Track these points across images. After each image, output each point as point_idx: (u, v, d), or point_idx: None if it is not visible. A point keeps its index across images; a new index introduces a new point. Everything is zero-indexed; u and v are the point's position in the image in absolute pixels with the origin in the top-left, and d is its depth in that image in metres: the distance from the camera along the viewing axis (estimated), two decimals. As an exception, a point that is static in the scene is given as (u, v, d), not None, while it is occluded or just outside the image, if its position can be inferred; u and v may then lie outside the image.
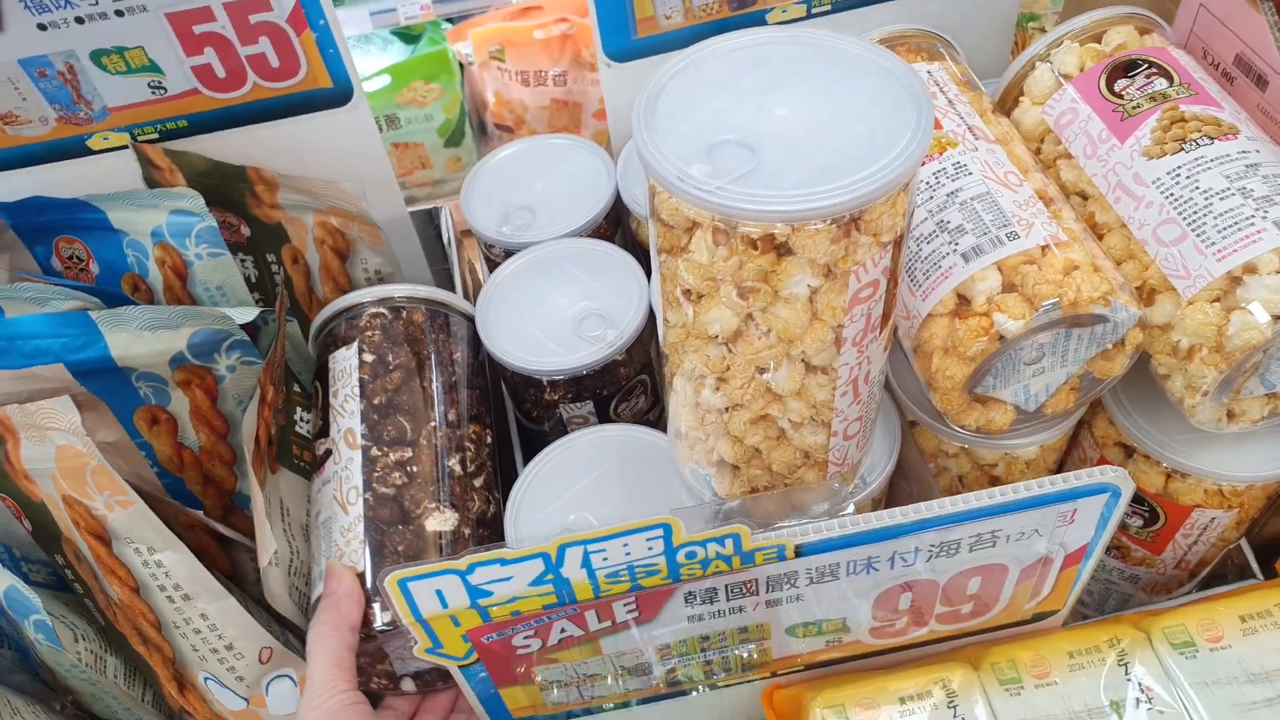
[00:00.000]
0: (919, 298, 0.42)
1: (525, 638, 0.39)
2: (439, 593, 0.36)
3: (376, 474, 0.47)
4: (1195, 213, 0.41)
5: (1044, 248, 0.41)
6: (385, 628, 0.44)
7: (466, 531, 0.47)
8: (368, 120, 0.56)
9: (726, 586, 0.39)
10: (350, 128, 0.56)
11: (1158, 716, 0.43)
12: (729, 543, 0.37)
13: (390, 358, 0.51)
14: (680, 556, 0.37)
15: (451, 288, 0.58)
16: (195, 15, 0.50)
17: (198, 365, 0.50)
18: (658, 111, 0.35)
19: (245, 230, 0.58)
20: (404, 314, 0.52)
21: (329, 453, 0.49)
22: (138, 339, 0.48)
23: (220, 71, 0.53)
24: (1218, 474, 0.45)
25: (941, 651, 0.45)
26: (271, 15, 0.51)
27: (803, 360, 0.37)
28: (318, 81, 0.54)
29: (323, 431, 0.50)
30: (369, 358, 0.51)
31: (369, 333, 0.51)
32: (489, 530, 0.49)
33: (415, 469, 0.48)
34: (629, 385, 0.52)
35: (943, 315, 0.42)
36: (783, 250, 0.34)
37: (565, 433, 0.53)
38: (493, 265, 0.57)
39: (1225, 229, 0.40)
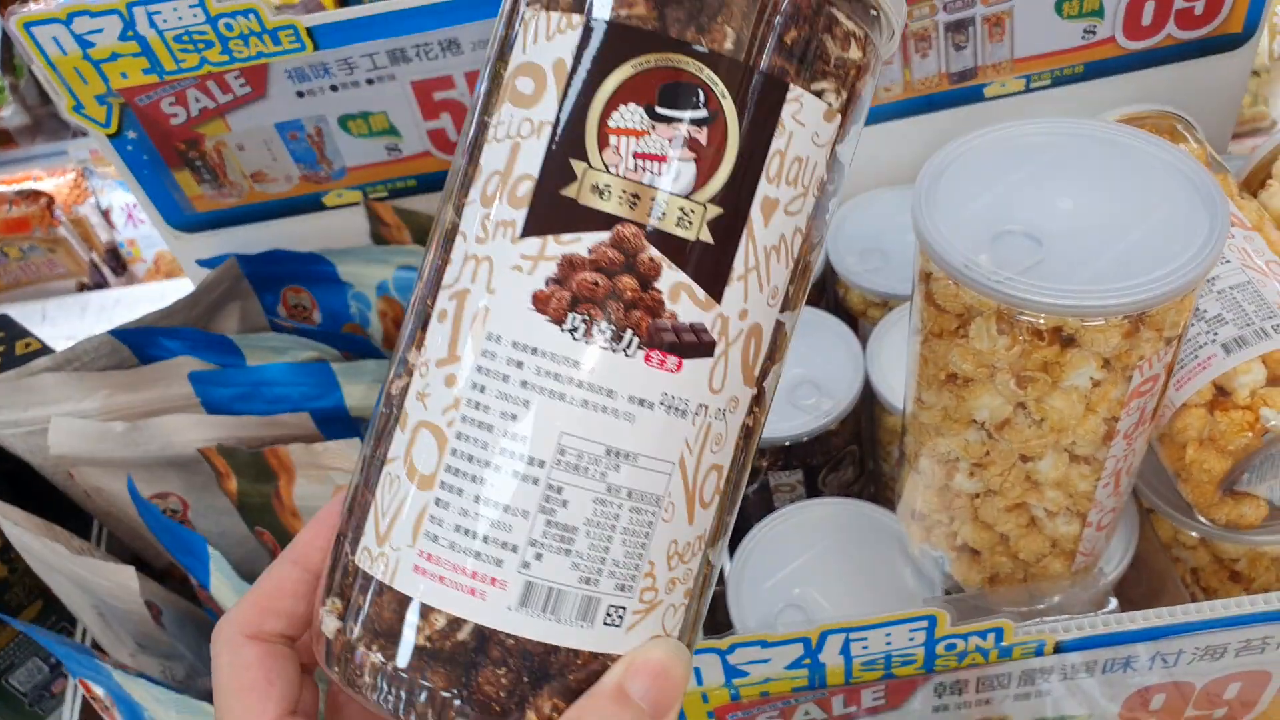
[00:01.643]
0: (1172, 386, 0.41)
1: (768, 718, 0.39)
2: (696, 670, 0.36)
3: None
4: None
5: (1315, 341, 0.39)
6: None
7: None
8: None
9: (978, 679, 0.38)
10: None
11: None
12: (990, 637, 0.36)
13: None
14: (940, 648, 0.36)
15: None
16: (437, 83, 0.53)
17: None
18: (937, 197, 0.35)
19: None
20: None
21: None
22: (373, 391, 0.50)
23: (453, 135, 0.56)
24: None
25: (1181, 756, 0.43)
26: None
27: (1068, 451, 0.37)
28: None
29: None
30: None
31: None
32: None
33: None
34: (839, 456, 0.52)
35: (1198, 406, 0.40)
36: (1067, 342, 0.33)
37: (770, 499, 0.53)
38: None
39: None
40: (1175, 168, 0.35)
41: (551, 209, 0.20)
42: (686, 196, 0.20)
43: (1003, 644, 0.36)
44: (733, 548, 0.47)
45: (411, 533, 0.20)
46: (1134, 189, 0.34)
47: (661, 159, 0.20)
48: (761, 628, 0.44)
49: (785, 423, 0.49)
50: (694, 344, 0.20)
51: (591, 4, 0.20)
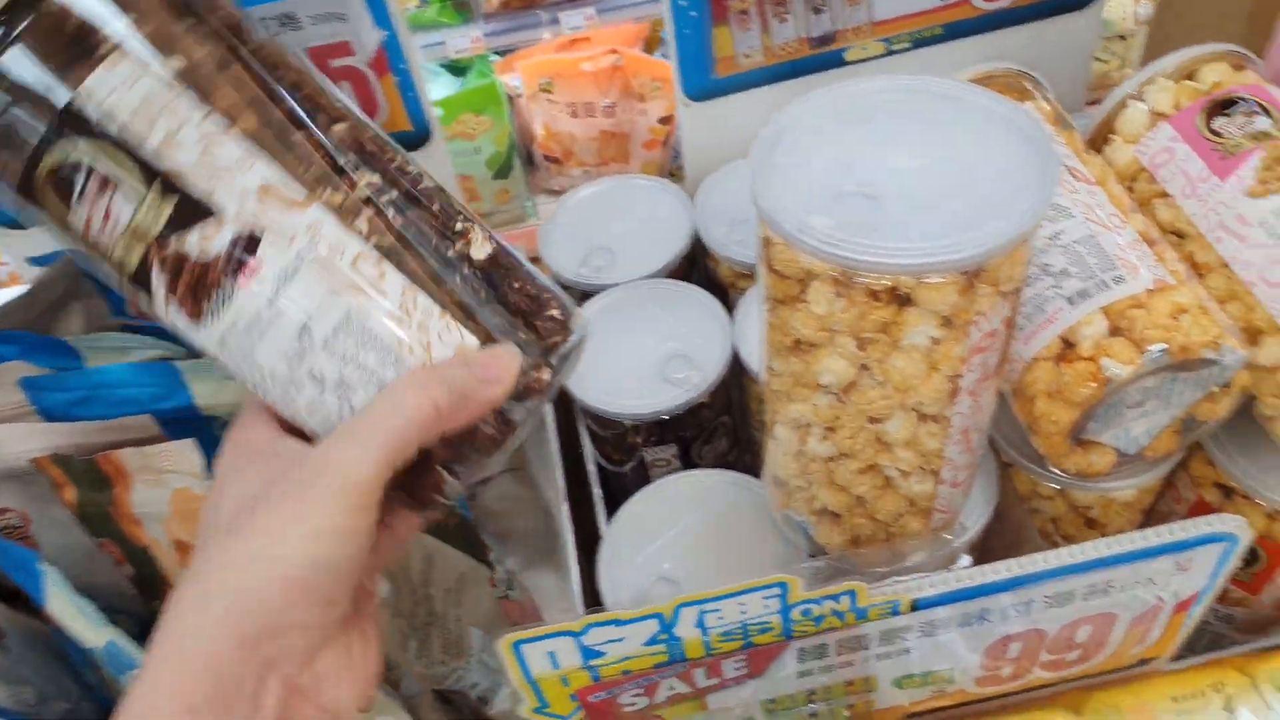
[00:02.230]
0: (1021, 341, 0.42)
1: (633, 695, 0.38)
2: (551, 654, 0.35)
3: (362, 224, 0.32)
4: (1305, 254, 0.40)
5: (1151, 291, 0.40)
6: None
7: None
8: (445, 162, 0.56)
9: (838, 642, 0.38)
10: (429, 169, 0.56)
11: (1271, 767, 0.42)
12: (844, 599, 0.36)
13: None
14: (795, 614, 0.36)
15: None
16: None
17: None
18: (774, 161, 0.35)
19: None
20: None
21: (251, 241, 0.30)
22: (222, 387, 0.48)
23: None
24: (1326, 517, 0.44)
25: (1043, 697, 0.45)
26: (354, 60, 0.51)
27: (915, 410, 0.37)
28: (397, 124, 0.54)
29: (185, 217, 0.30)
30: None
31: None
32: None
33: (391, 192, 0.32)
34: (711, 427, 0.51)
35: (1047, 359, 0.41)
36: (904, 301, 0.33)
37: (646, 475, 0.53)
38: (568, 305, 0.57)
39: (1339, 271, 0.39)
40: (1010, 121, 0.35)
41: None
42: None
43: (858, 606, 0.36)
44: (596, 523, 0.47)
45: None
46: (970, 145, 0.34)
47: None
48: (632, 604, 0.44)
49: (656, 397, 0.49)
50: (240, 263, 0.31)
51: None
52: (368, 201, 0.32)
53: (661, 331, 0.51)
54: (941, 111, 0.35)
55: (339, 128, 0.33)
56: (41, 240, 0.54)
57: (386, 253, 0.31)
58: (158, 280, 0.31)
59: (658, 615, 0.35)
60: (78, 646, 0.45)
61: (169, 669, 0.27)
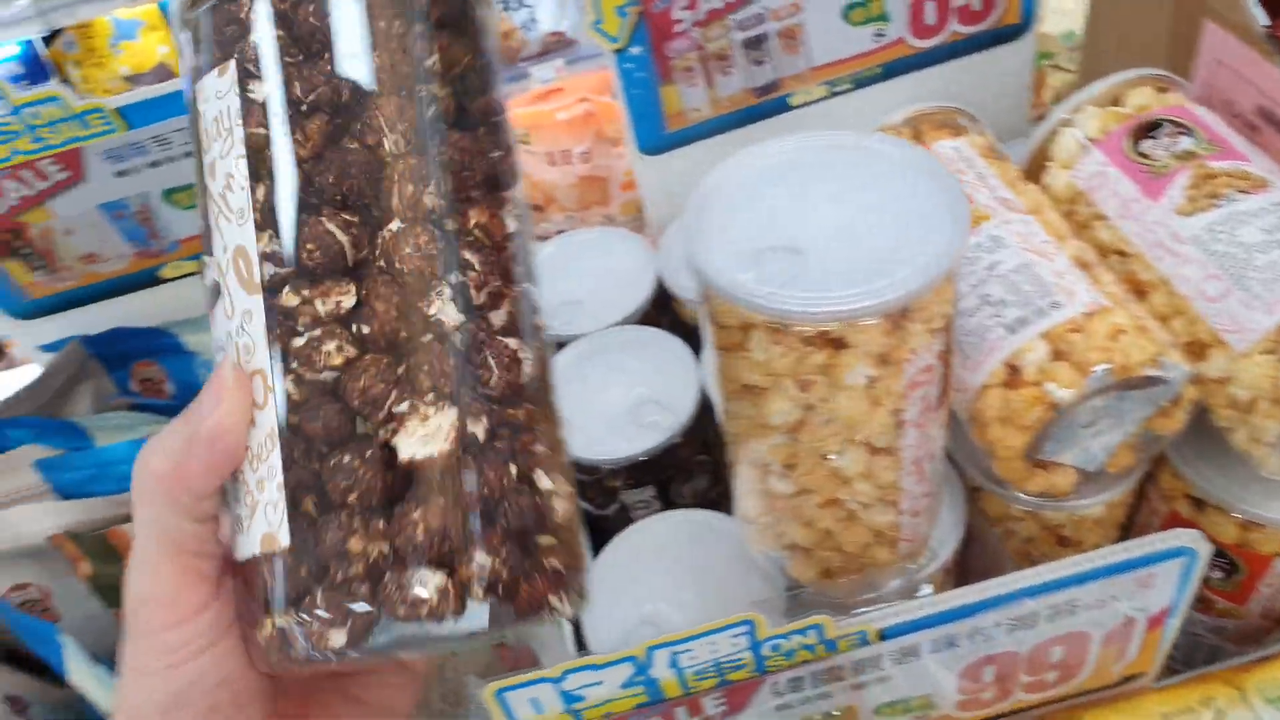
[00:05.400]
0: (969, 370, 0.43)
1: (617, 736, 0.40)
2: (534, 701, 0.37)
3: (298, 342, 0.26)
4: (1237, 267, 0.42)
5: (1088, 314, 0.41)
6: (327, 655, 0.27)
7: (481, 438, 0.27)
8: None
9: (813, 674, 0.39)
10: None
11: (1257, 774, 0.42)
12: (812, 633, 0.37)
13: (301, 89, 0.26)
14: (765, 649, 0.37)
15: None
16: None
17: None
18: (705, 222, 0.37)
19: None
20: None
21: (216, 287, 0.28)
22: None
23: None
24: (1293, 521, 0.45)
25: (1032, 718, 0.45)
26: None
27: (866, 444, 0.38)
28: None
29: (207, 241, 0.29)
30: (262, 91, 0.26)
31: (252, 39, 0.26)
32: (515, 426, 0.28)
33: (370, 326, 0.26)
34: (689, 467, 0.53)
35: (995, 386, 0.43)
36: (838, 344, 0.35)
37: (628, 517, 0.54)
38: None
39: (1270, 281, 0.41)
40: (919, 167, 0.37)
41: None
42: None
43: (825, 638, 0.38)
44: (585, 573, 0.48)
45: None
46: (884, 193, 0.36)
47: None
48: (615, 648, 0.45)
49: (630, 441, 0.51)
50: None
51: None
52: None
53: (631, 377, 0.53)
54: (854, 164, 0.37)
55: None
56: (52, 328, 0.57)
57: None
58: None
59: (632, 658, 0.37)
60: (96, 713, 0.48)
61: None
